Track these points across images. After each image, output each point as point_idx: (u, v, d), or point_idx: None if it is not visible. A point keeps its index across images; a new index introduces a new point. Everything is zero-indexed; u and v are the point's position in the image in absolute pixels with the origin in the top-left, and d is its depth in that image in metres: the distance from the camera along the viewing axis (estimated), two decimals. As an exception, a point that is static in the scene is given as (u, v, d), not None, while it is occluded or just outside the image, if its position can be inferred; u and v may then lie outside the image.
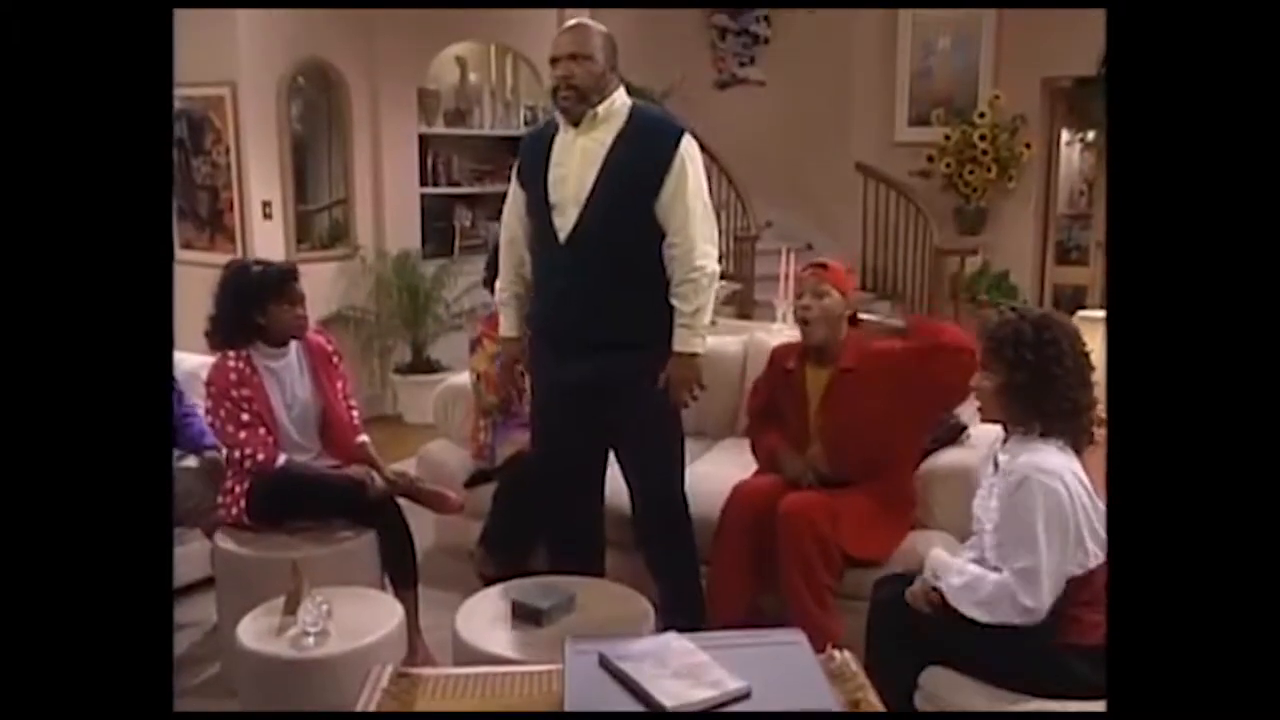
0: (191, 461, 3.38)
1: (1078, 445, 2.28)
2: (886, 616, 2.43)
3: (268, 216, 5.38)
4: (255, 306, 3.02)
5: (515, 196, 3.02)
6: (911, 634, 2.34)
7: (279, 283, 3.05)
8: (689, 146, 2.81)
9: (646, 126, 2.84)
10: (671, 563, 3.03)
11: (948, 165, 6.77)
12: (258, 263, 3.18)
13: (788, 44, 7.78)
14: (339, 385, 3.24)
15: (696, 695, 1.75)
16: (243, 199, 5.32)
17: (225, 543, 3.02)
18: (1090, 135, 7.73)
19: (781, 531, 2.83)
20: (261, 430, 3.01)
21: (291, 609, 2.48)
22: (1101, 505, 2.15)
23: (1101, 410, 2.24)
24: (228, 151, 5.29)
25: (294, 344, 3.14)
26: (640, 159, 2.78)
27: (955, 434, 3.23)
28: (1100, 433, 2.19)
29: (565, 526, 3.10)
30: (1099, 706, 1.82)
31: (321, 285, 5.33)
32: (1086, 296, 7.03)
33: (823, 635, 2.27)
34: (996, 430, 2.42)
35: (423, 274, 5.88)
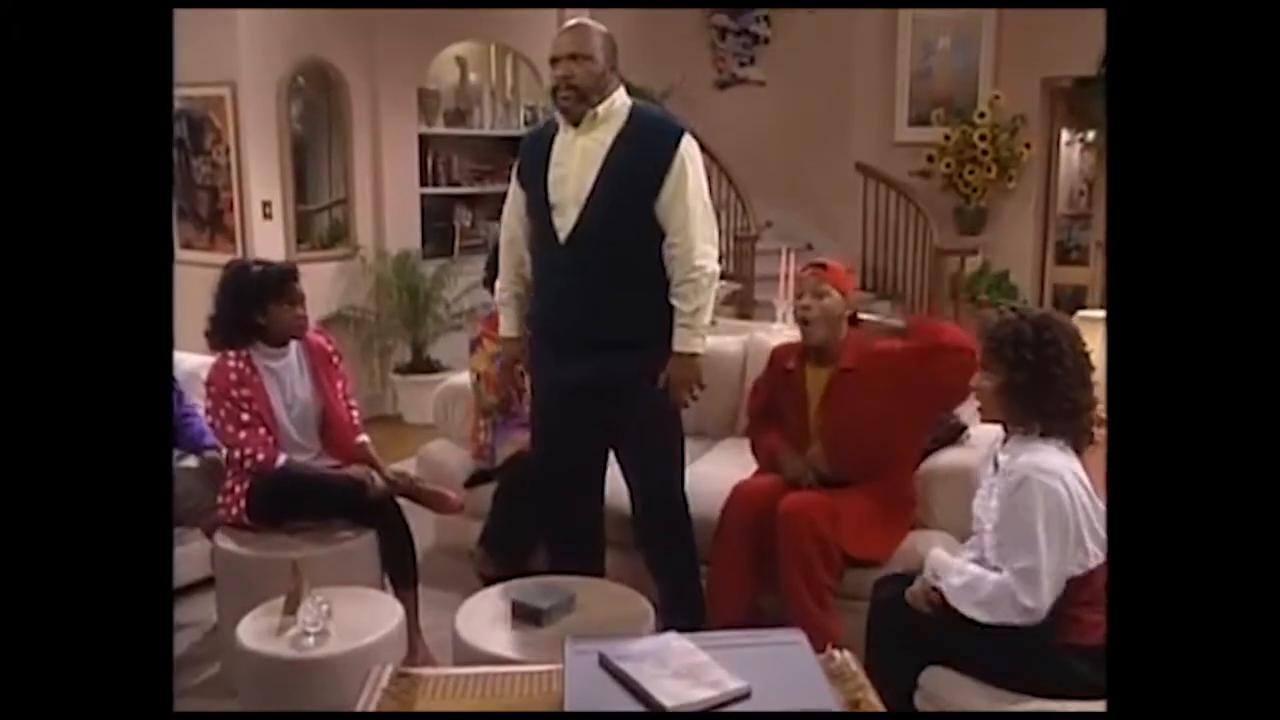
0: (191, 461, 3.38)
1: (1078, 445, 2.28)
2: (886, 616, 2.43)
3: (268, 216, 5.38)
4: (255, 306, 3.02)
5: (515, 196, 3.02)
6: (911, 634, 2.34)
7: (279, 283, 3.05)
8: (689, 146, 2.81)
9: (646, 126, 2.84)
10: (671, 562, 3.03)
11: (948, 165, 6.77)
12: (258, 263, 3.18)
13: (788, 44, 7.78)
14: (339, 385, 3.24)
15: (696, 695, 1.75)
16: (243, 199, 5.32)
17: (225, 543, 3.02)
18: (1090, 135, 7.73)
19: (781, 532, 2.83)
20: (261, 430, 3.01)
21: (291, 609, 2.48)
22: (1102, 505, 2.15)
23: (1101, 410, 2.24)
24: (228, 151, 5.29)
25: (294, 344, 3.14)
26: (640, 159, 2.78)
27: (955, 434, 3.23)
28: (1100, 433, 2.19)
29: (565, 526, 3.10)
30: (1099, 707, 1.82)
31: (321, 285, 5.33)
32: (1086, 296, 7.03)
33: (823, 635, 2.27)
34: (996, 430, 2.42)
35: (423, 274, 5.89)
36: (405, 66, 5.92)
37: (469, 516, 3.49)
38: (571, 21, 2.93)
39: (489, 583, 2.94)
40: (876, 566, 2.81)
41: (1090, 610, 2.13)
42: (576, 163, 2.82)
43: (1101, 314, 3.13)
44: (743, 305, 6.18)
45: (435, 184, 6.29)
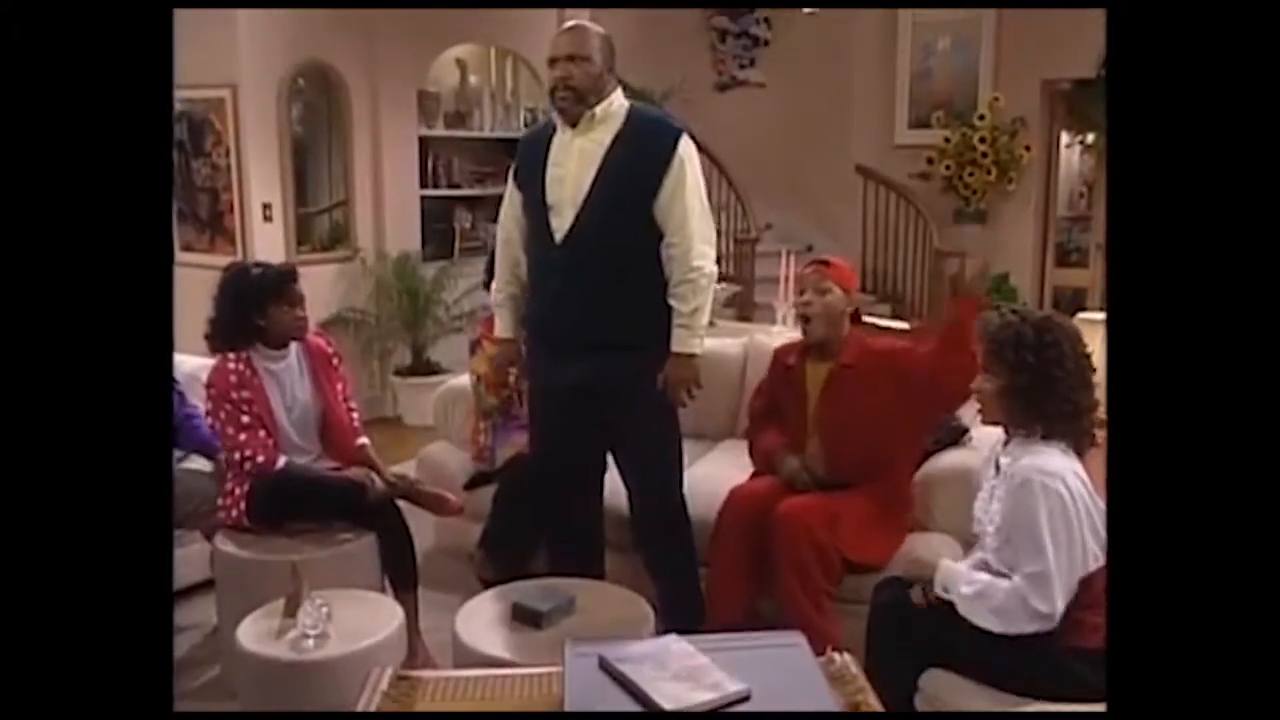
0: (191, 463, 3.37)
1: (1079, 447, 2.28)
2: (887, 619, 2.42)
3: (268, 219, 5.38)
4: (255, 308, 3.02)
5: (512, 197, 3.02)
6: (912, 637, 2.34)
7: (279, 285, 3.05)
8: (687, 147, 2.81)
9: (644, 127, 2.84)
10: (670, 563, 3.03)
11: (947, 168, 6.77)
12: (257, 265, 3.18)
13: (787, 46, 7.79)
14: (339, 387, 3.24)
15: (696, 698, 1.75)
16: (243, 201, 5.32)
17: (225, 545, 3.02)
18: (1090, 137, 7.74)
19: (778, 536, 2.82)
20: (261, 432, 3.01)
21: (291, 611, 2.48)
22: (1103, 507, 2.15)
23: (1102, 412, 2.24)
24: (228, 153, 5.29)
25: (294, 346, 3.14)
26: (638, 160, 2.78)
27: (956, 436, 3.23)
28: (1102, 435, 2.19)
29: (564, 528, 3.10)
30: (1099, 709, 1.82)
31: (321, 287, 5.34)
32: (1086, 298, 7.03)
33: (820, 640, 2.25)
34: (998, 432, 2.41)
35: (423, 276, 5.89)
36: (405, 68, 5.93)
37: (469, 519, 3.49)
38: (569, 23, 2.93)
39: (489, 585, 2.94)
40: (875, 571, 2.80)
41: (1091, 613, 2.12)
42: (574, 164, 2.82)
43: (1101, 316, 3.13)
44: (743, 307, 6.18)
45: (435, 186, 6.29)
